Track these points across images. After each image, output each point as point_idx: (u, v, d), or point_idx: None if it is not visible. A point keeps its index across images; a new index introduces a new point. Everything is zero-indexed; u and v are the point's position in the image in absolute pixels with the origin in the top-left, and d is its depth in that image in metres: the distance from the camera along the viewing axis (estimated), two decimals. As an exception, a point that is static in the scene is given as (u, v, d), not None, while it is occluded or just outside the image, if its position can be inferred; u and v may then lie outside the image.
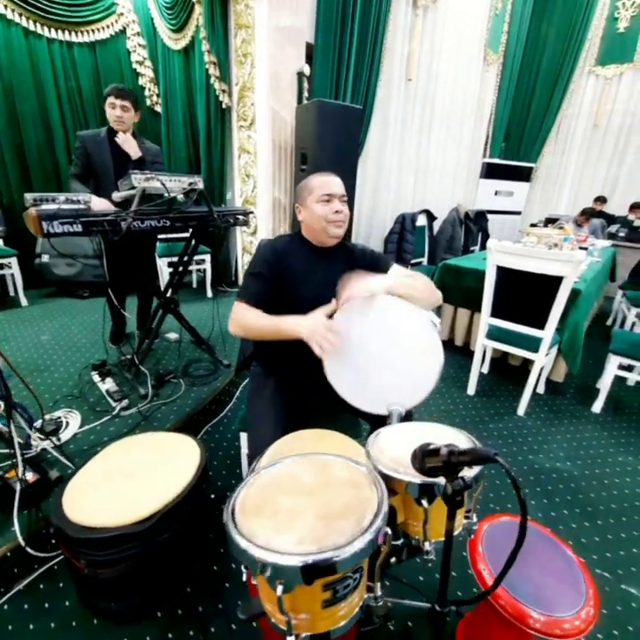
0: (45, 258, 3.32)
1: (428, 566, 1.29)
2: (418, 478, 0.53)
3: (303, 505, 0.50)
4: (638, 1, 4.87)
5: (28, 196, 1.46)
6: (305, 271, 1.17)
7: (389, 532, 0.49)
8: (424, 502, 0.54)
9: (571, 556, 0.99)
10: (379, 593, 0.52)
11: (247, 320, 1.10)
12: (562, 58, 5.32)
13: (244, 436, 1.36)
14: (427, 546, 0.57)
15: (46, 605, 1.13)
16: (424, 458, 0.47)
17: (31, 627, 1.08)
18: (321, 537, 0.45)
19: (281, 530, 0.46)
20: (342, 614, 0.49)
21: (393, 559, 0.60)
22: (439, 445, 0.45)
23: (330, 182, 1.15)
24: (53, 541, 1.23)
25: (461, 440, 0.65)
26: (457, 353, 2.88)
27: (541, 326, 2.00)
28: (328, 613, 0.48)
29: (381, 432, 0.72)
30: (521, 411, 2.19)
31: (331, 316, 1.02)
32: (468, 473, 0.46)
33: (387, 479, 0.57)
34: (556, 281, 1.89)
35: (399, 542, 0.61)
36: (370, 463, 0.61)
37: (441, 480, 0.46)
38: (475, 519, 0.59)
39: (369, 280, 1.05)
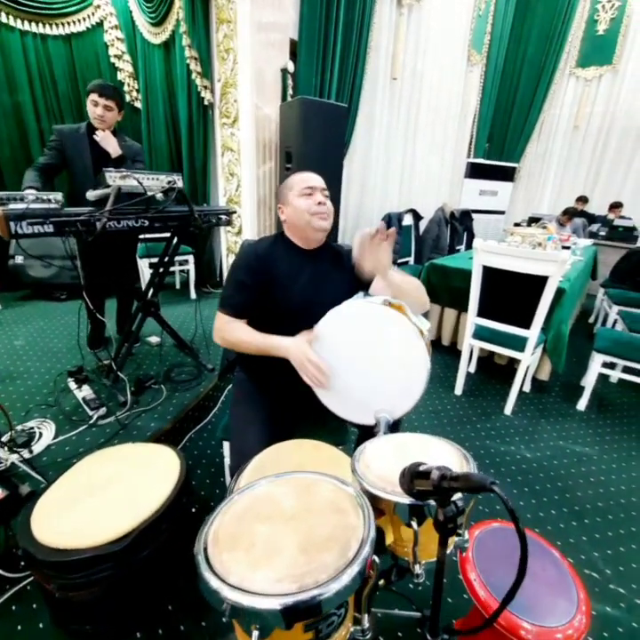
0: (19, 259, 3.18)
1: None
2: (407, 499, 0.49)
3: (282, 535, 0.45)
4: (617, 3, 4.96)
5: (-6, 195, 1.38)
6: (291, 274, 1.12)
7: (377, 560, 0.45)
8: (413, 524, 0.50)
9: (560, 560, 0.97)
10: (366, 625, 0.48)
11: (233, 336, 1.09)
12: (543, 59, 5.40)
13: (227, 445, 1.31)
14: (417, 568, 0.53)
15: (19, 628, 1.07)
16: (413, 480, 0.43)
17: (2, 652, 1.02)
18: (302, 573, 0.40)
19: (257, 565, 0.41)
20: (327, 652, 0.46)
21: (381, 581, 0.56)
22: (430, 467, 0.42)
23: (310, 177, 1.13)
24: (22, 563, 1.16)
25: (453, 455, 0.61)
26: (444, 353, 2.88)
27: (527, 326, 2.00)
28: (311, 654, 0.44)
29: (367, 446, 0.68)
30: (508, 410, 2.19)
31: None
32: (460, 495, 0.43)
33: (373, 498, 0.53)
34: (541, 280, 1.89)
35: (386, 564, 0.57)
36: (355, 482, 0.57)
37: (431, 501, 0.43)
38: (466, 536, 0.56)
39: (390, 261, 1.03)
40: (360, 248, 1.04)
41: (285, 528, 0.46)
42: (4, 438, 1.37)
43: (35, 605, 1.12)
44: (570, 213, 4.34)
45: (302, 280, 1.12)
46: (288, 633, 0.39)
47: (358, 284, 1.16)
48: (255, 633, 0.38)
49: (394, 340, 0.94)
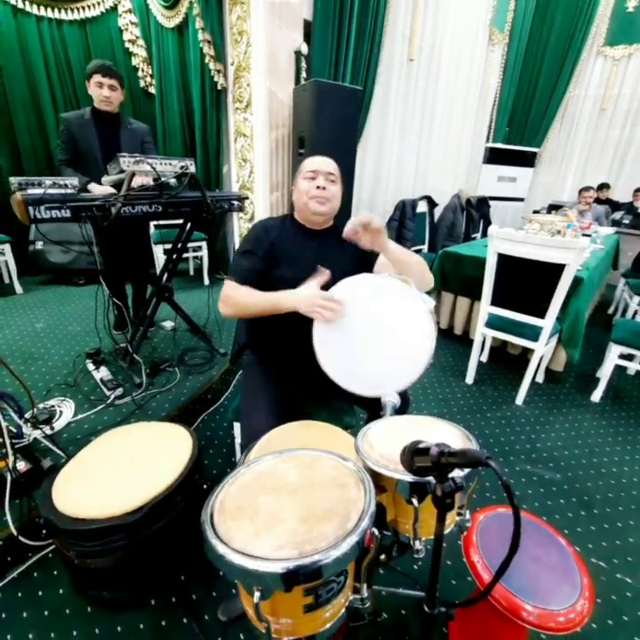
0: (39, 245, 3.26)
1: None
2: (408, 476, 0.50)
3: (285, 506, 0.47)
4: (650, -23, 4.67)
5: (14, 180, 1.42)
6: (294, 251, 1.15)
7: (377, 533, 0.46)
8: (414, 501, 0.51)
9: (566, 547, 0.97)
10: (365, 594, 0.50)
11: (239, 297, 1.07)
12: (569, 38, 5.14)
13: (237, 426, 1.35)
14: (417, 544, 0.55)
15: (40, 593, 1.13)
16: (413, 457, 0.44)
17: (25, 615, 1.08)
18: (302, 541, 0.42)
19: (260, 533, 0.43)
20: (327, 617, 0.47)
21: (382, 556, 0.58)
22: (429, 444, 0.43)
23: (319, 160, 1.15)
24: (44, 532, 1.23)
25: (456, 436, 0.62)
26: (456, 341, 2.85)
27: (542, 315, 1.96)
28: (311, 617, 0.46)
29: (371, 427, 0.70)
30: (519, 400, 2.18)
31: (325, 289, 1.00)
32: (460, 473, 0.44)
33: (376, 476, 0.55)
34: (557, 269, 1.85)
35: (388, 540, 0.58)
36: (358, 459, 0.59)
37: (432, 479, 0.44)
38: (468, 516, 0.57)
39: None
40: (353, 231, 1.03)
41: (288, 500, 0.48)
42: (27, 415, 1.43)
43: (55, 572, 1.18)
44: (585, 189, 4.14)
45: (307, 258, 1.14)
46: (288, 595, 0.41)
47: (363, 264, 1.17)
48: (257, 594, 0.40)
49: (400, 309, 0.96)
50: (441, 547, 0.45)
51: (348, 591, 0.49)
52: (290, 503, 0.47)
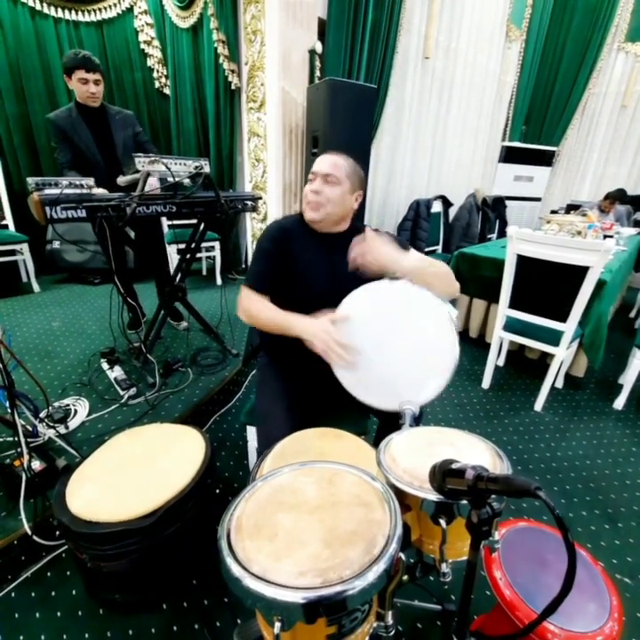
0: (56, 244, 3.31)
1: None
2: (436, 496, 0.47)
3: (306, 526, 0.44)
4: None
5: (31, 180, 1.42)
6: (309, 250, 1.12)
7: (403, 557, 0.43)
8: (442, 522, 0.48)
9: (592, 564, 0.93)
10: (390, 621, 0.47)
11: (254, 311, 1.06)
12: (589, 33, 4.98)
13: (250, 430, 1.33)
14: (443, 567, 0.52)
15: (53, 594, 1.13)
16: (444, 478, 0.41)
17: (37, 615, 1.08)
18: (326, 567, 0.39)
19: (281, 557, 0.41)
20: (349, 647, 0.45)
21: (405, 577, 0.55)
22: (464, 466, 0.39)
23: (320, 160, 1.07)
24: (57, 533, 1.23)
25: (485, 451, 0.58)
26: (471, 345, 2.79)
27: (563, 319, 1.90)
28: (333, 648, 0.43)
29: (394, 438, 0.66)
30: (538, 406, 2.11)
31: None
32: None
33: (400, 493, 0.52)
34: (580, 271, 1.78)
35: (411, 556, 0.55)
36: (381, 475, 0.56)
37: (464, 500, 0.41)
38: (496, 536, 0.53)
39: (392, 251, 0.94)
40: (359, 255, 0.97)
41: (309, 519, 0.45)
42: (42, 414, 1.43)
43: (68, 572, 1.18)
44: (612, 197, 4.03)
45: (322, 258, 1.11)
46: (310, 626, 0.39)
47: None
48: (277, 624, 0.37)
49: (421, 321, 0.91)
50: (474, 575, 0.42)
51: (372, 618, 0.47)
52: (310, 523, 0.44)
